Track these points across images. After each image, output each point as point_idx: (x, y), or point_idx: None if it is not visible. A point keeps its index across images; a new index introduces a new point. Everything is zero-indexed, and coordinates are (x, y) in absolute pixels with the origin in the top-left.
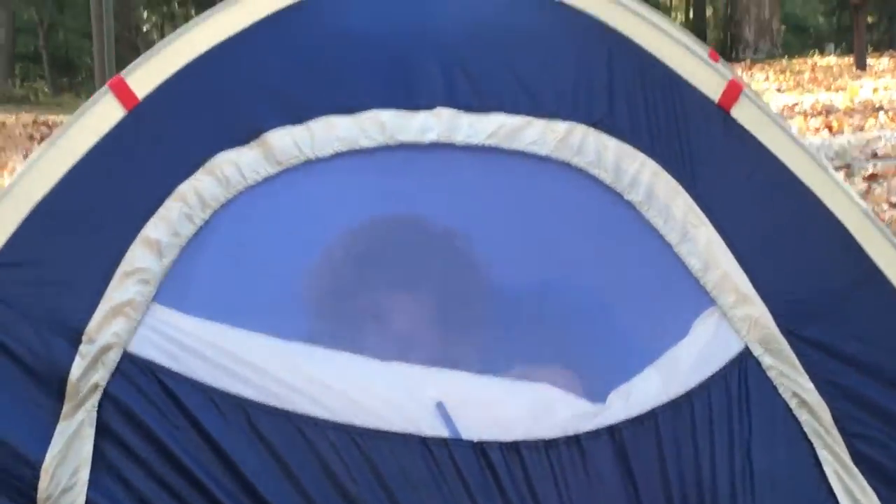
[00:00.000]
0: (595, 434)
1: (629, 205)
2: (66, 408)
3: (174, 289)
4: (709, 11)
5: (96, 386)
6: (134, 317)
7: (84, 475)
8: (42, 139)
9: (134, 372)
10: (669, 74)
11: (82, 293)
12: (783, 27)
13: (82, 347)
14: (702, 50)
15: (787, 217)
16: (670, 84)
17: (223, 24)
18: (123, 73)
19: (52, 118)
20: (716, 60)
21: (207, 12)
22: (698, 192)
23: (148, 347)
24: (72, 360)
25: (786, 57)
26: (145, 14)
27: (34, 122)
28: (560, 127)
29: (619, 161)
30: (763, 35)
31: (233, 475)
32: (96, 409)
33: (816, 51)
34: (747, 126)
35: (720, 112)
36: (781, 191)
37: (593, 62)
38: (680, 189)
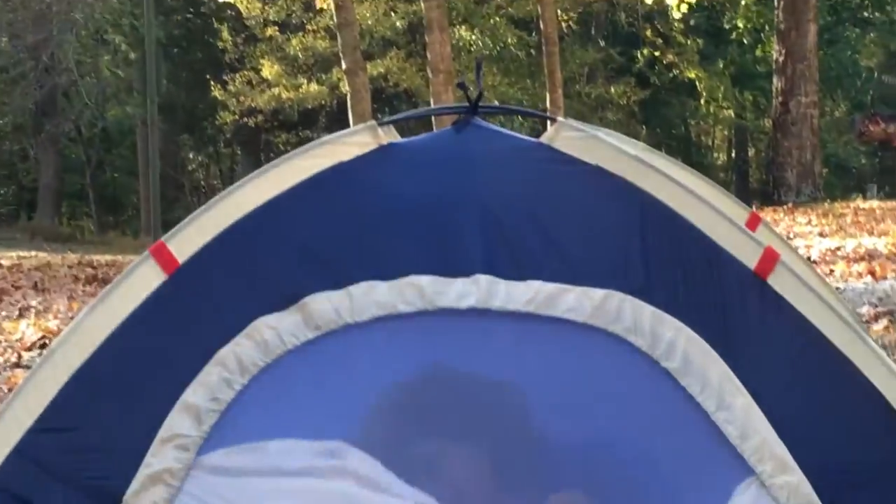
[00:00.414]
0: None
1: (666, 371)
2: None
3: (213, 455)
4: (751, 151)
5: None
6: (173, 484)
7: None
8: (87, 280)
9: None
10: (705, 241)
11: (121, 460)
12: (825, 169)
13: None
14: (742, 210)
15: (826, 386)
16: (706, 251)
17: (264, 188)
18: (165, 237)
19: (97, 258)
20: (755, 227)
21: (249, 176)
22: (735, 360)
23: None
24: None
25: (828, 199)
26: (191, 154)
27: (79, 262)
28: (596, 294)
29: (655, 328)
30: (805, 178)
31: None
32: None
33: (859, 194)
34: (784, 294)
35: (756, 280)
36: (819, 360)
37: (629, 228)
38: (716, 357)
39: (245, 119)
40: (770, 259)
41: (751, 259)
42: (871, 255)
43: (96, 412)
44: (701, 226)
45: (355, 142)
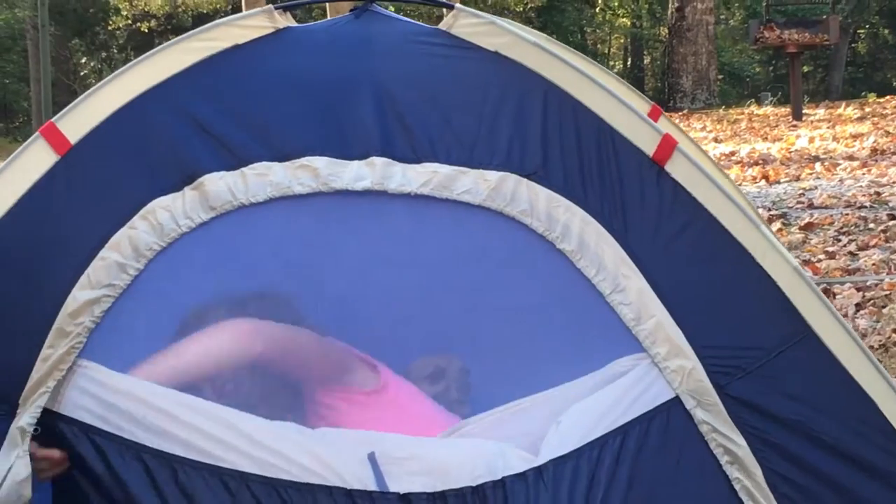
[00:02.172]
0: (521, 476)
1: (562, 254)
2: None
3: (106, 344)
4: (646, 60)
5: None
6: (64, 368)
7: None
8: None
9: (64, 430)
10: (604, 128)
11: (17, 352)
12: (720, 77)
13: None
14: (643, 103)
15: (719, 273)
16: (605, 137)
17: (157, 68)
18: (55, 118)
19: None
20: (657, 118)
21: (142, 56)
22: (630, 244)
23: (77, 407)
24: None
25: (723, 106)
26: (84, 59)
27: None
28: (492, 176)
29: (550, 211)
30: (700, 85)
31: None
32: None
33: (753, 101)
34: (681, 181)
35: (654, 166)
36: (714, 247)
37: (528, 113)
38: (611, 240)
39: (138, 24)
40: (668, 146)
41: (649, 145)
42: (764, 160)
43: None
44: (599, 111)
45: (251, 24)
